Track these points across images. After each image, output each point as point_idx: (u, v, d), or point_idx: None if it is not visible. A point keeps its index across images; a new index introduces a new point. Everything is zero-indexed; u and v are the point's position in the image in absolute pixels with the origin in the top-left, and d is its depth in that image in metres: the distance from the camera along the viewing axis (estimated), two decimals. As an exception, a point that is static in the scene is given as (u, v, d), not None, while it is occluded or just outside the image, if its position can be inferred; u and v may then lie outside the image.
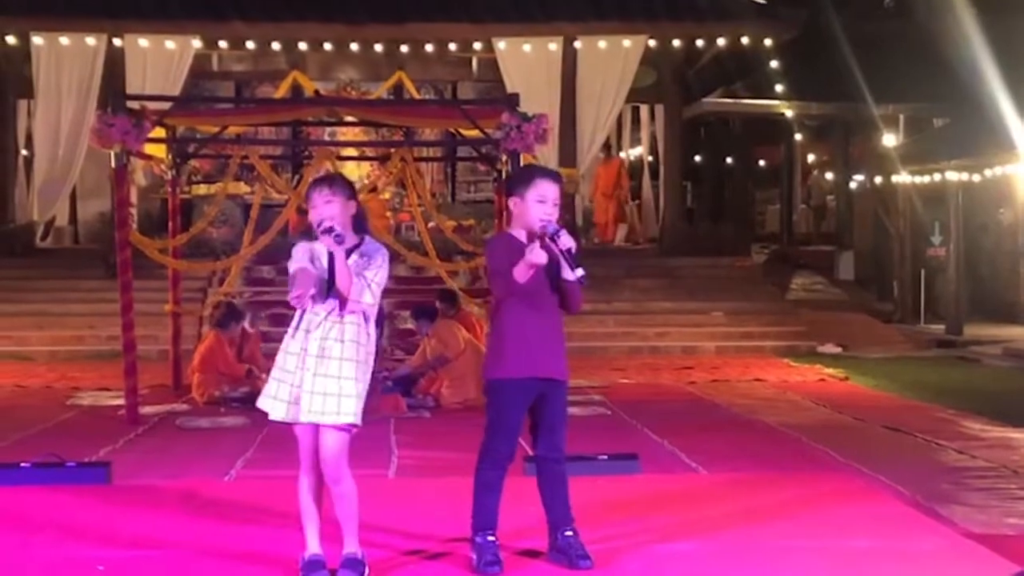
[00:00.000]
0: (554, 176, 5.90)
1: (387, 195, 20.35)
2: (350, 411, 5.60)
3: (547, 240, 5.64)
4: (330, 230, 5.52)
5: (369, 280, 5.62)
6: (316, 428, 5.63)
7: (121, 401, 11.37)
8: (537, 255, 5.60)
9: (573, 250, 5.63)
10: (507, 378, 5.82)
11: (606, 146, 22.98)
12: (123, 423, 10.82)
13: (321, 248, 5.65)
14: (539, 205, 5.72)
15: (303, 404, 5.58)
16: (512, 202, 5.86)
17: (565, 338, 5.96)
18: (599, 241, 22.47)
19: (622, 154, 24.34)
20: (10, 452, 9.21)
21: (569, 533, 5.89)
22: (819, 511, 7.07)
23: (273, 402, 5.69)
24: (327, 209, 5.60)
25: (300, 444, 5.69)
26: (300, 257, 5.66)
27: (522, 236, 5.81)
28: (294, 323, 5.71)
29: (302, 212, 19.83)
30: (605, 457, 8.30)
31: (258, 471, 8.62)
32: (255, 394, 11.82)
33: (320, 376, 5.58)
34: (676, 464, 8.96)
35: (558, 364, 5.86)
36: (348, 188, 5.75)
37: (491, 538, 5.81)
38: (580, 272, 5.62)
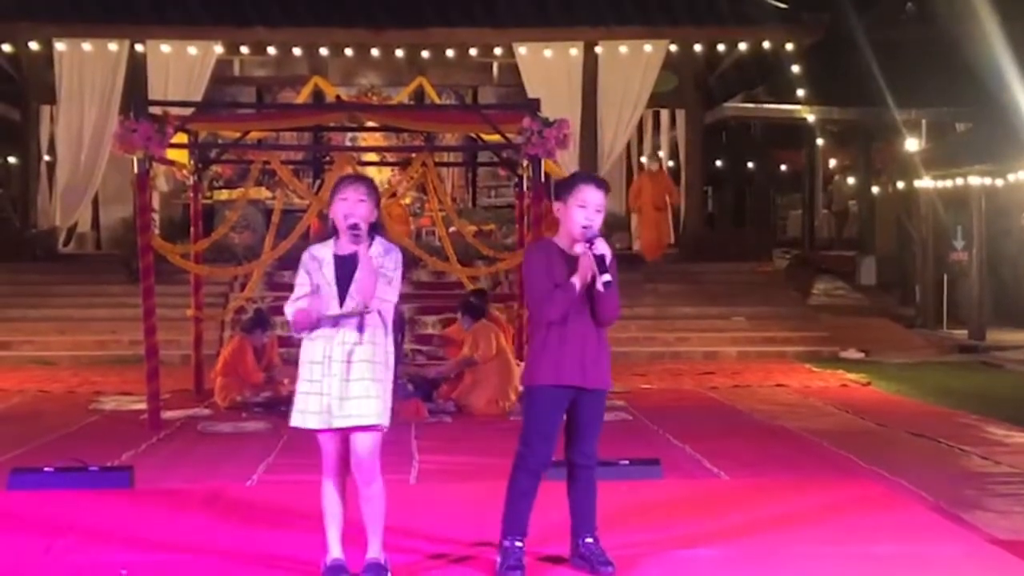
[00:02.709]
0: (598, 182, 5.90)
1: (408, 200, 20.38)
2: (373, 412, 5.63)
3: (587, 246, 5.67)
4: (355, 227, 5.53)
5: (390, 276, 5.64)
6: (343, 434, 5.65)
7: (143, 406, 11.40)
8: (583, 270, 5.70)
9: (607, 258, 5.64)
10: (537, 385, 5.84)
11: (655, 156, 22.54)
12: (145, 428, 10.84)
13: (325, 253, 5.68)
14: (580, 210, 5.74)
15: (334, 410, 5.58)
16: (556, 207, 5.89)
17: (606, 346, 5.94)
18: (637, 251, 21.43)
19: (643, 159, 24.21)
20: (33, 456, 9.24)
21: (590, 540, 5.89)
22: (842, 517, 7.04)
23: (304, 416, 5.65)
24: (359, 208, 5.60)
25: (324, 451, 5.70)
26: (302, 280, 5.67)
27: (562, 243, 5.83)
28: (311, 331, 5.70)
29: (323, 217, 19.91)
30: (627, 462, 8.28)
31: (280, 476, 8.63)
32: (277, 399, 12.02)
33: (348, 381, 5.59)
34: (698, 469, 8.94)
35: (591, 373, 5.83)
36: (378, 196, 5.77)
37: (518, 543, 5.81)
38: (606, 278, 5.62)
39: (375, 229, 5.71)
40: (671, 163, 24.46)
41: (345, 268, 5.64)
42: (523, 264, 6.13)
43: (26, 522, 6.89)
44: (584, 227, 5.71)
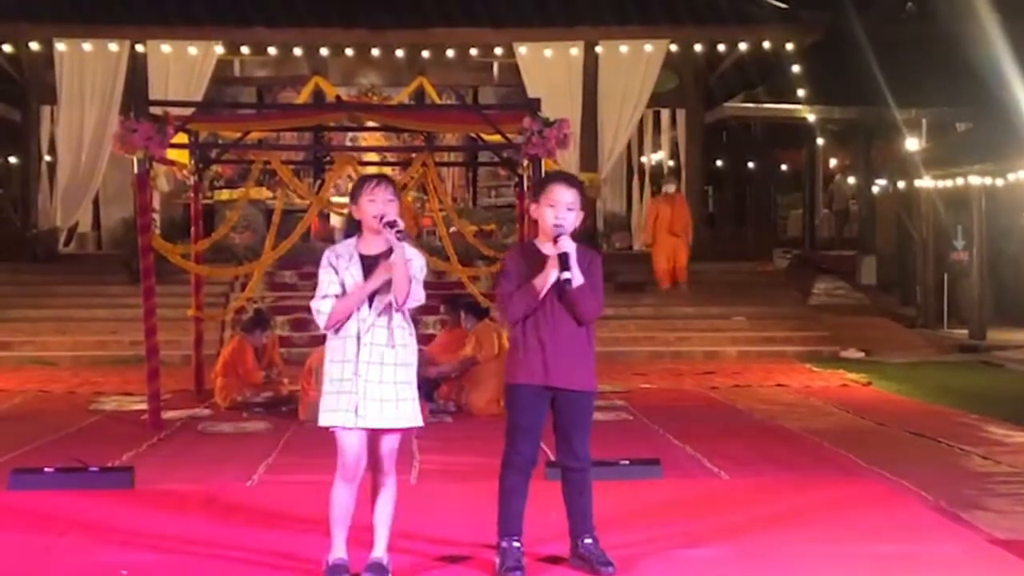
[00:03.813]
0: (567, 180, 5.91)
1: (408, 199, 20.41)
2: (410, 415, 5.68)
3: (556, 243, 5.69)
4: (394, 224, 5.54)
5: (418, 279, 5.65)
6: (369, 435, 5.66)
7: (144, 406, 11.40)
8: (542, 278, 5.70)
9: (570, 256, 5.64)
10: (517, 384, 5.84)
11: (672, 178, 21.16)
12: (146, 428, 10.84)
13: (351, 252, 5.68)
14: (549, 209, 5.76)
15: (362, 411, 5.58)
16: (532, 208, 5.92)
17: (588, 348, 5.91)
18: (662, 287, 19.65)
19: (643, 159, 24.19)
20: (34, 457, 9.23)
21: (588, 541, 5.88)
22: (842, 516, 7.04)
23: (334, 415, 5.63)
24: (390, 208, 5.62)
25: (346, 451, 5.66)
26: (330, 278, 5.66)
27: (542, 243, 5.84)
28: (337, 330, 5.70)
29: (324, 217, 19.93)
30: (627, 462, 8.28)
31: (280, 476, 8.63)
32: (278, 399, 12.00)
33: (377, 383, 5.60)
34: (698, 469, 8.93)
35: (571, 374, 5.81)
36: (399, 197, 5.76)
37: (516, 544, 5.81)
38: (565, 275, 5.63)
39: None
40: (671, 163, 24.44)
41: (374, 268, 5.63)
42: (501, 266, 6.12)
43: (26, 522, 6.89)
44: (555, 225, 5.72)
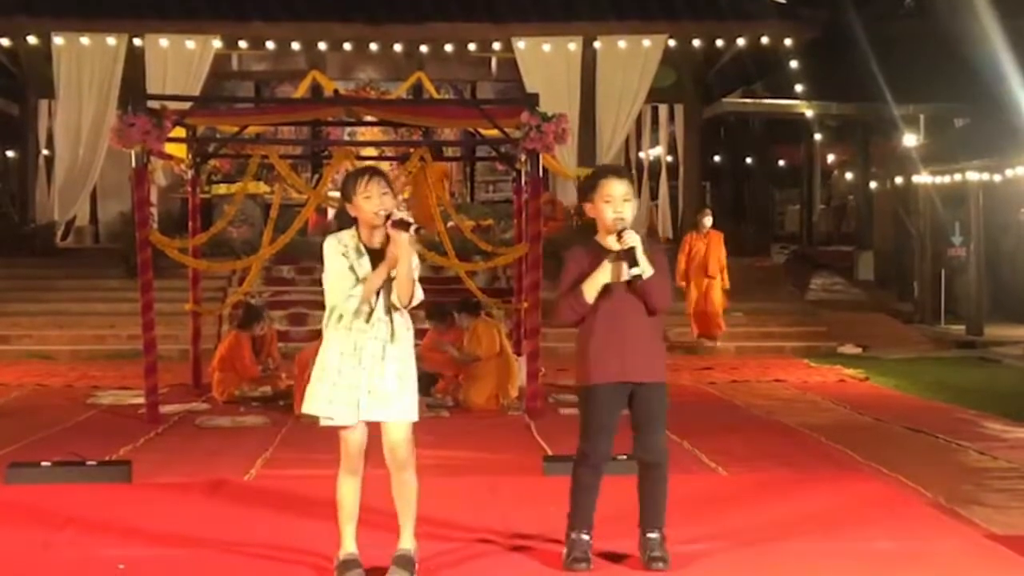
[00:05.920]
0: (617, 173, 5.90)
1: (406, 195, 20.37)
2: (410, 407, 5.66)
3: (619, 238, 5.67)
4: (407, 224, 5.48)
5: (416, 276, 5.64)
6: (373, 430, 5.65)
7: (141, 400, 11.39)
8: (603, 273, 5.70)
9: (637, 250, 5.64)
10: (592, 384, 5.83)
11: (708, 212, 18.32)
12: (143, 422, 10.83)
13: (357, 244, 5.63)
14: (606, 205, 5.75)
15: (363, 404, 5.57)
16: (587, 207, 5.90)
17: (659, 339, 5.93)
18: (698, 336, 17.73)
19: (640, 154, 24.15)
20: (31, 451, 9.23)
21: (653, 535, 5.91)
22: (839, 512, 7.04)
23: (329, 406, 5.60)
24: (386, 200, 5.56)
25: (349, 445, 5.66)
26: (344, 268, 5.59)
27: (602, 239, 5.84)
28: (334, 322, 5.66)
29: (321, 211, 19.92)
30: (624, 457, 8.25)
31: (278, 470, 8.62)
32: (276, 393, 11.97)
33: (379, 376, 5.58)
34: (696, 465, 8.93)
35: (649, 366, 5.82)
36: (391, 184, 5.72)
37: (585, 536, 5.85)
38: (634, 271, 5.63)
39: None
40: (669, 158, 24.42)
41: (380, 261, 5.60)
42: (564, 264, 6.04)
43: (24, 517, 6.89)
44: (616, 220, 5.71)
